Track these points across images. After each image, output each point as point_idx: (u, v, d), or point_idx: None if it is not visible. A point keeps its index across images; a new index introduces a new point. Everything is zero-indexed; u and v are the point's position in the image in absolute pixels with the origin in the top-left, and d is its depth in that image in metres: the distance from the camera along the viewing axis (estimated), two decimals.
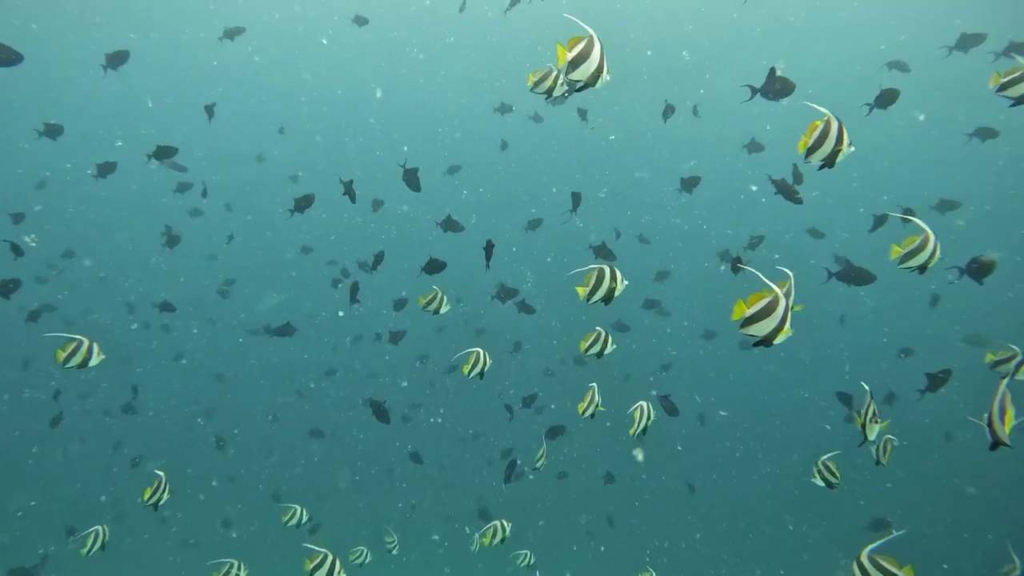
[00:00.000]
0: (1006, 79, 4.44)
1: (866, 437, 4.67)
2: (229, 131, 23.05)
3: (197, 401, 24.46)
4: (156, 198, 23.52)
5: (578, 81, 3.82)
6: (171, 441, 22.63)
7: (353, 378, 24.71)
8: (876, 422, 4.42)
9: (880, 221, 8.40)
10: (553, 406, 18.27)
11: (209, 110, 10.38)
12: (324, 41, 21.21)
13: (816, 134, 3.46)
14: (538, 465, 7.03)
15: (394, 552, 10.14)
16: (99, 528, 6.09)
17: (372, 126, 25.11)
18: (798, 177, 8.14)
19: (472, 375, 5.86)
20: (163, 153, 8.82)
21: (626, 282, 4.45)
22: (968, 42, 9.77)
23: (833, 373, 24.44)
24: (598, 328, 5.32)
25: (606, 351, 5.27)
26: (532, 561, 9.18)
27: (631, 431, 5.53)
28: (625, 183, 24.73)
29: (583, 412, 5.50)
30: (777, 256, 20.64)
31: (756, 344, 3.22)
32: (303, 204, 8.71)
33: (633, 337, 16.49)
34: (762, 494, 22.45)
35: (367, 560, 8.69)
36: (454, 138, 24.49)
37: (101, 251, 25.61)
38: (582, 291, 4.43)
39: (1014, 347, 5.26)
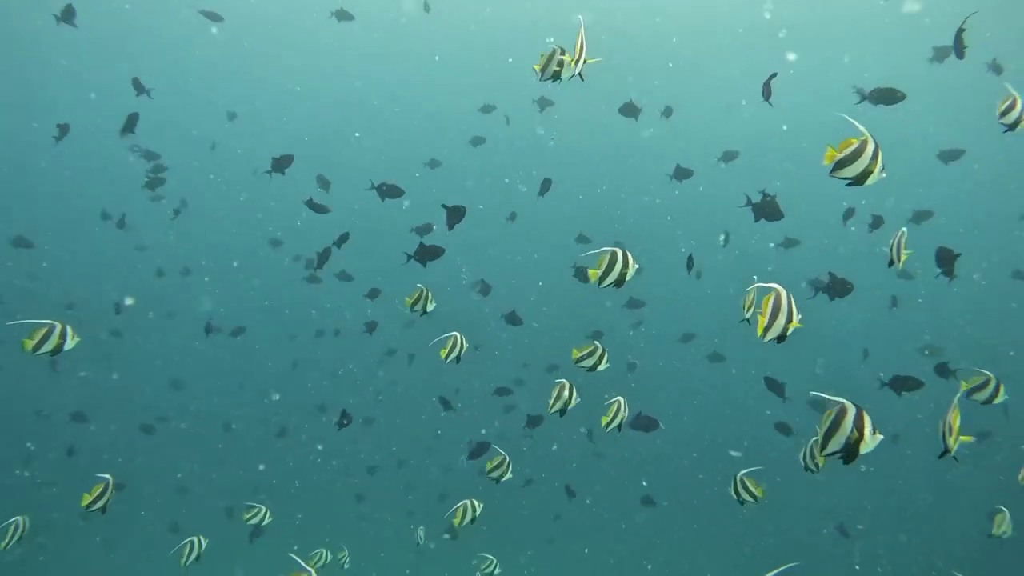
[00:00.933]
0: (1004, 106, 4.68)
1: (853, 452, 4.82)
2: (191, 117, 22.48)
3: (151, 407, 23.61)
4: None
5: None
6: (124, 448, 21.80)
7: (316, 376, 24.29)
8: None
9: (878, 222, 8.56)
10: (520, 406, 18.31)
11: (138, 85, 9.89)
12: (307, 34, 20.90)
13: (849, 150, 3.44)
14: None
15: (345, 567, 9.96)
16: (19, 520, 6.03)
17: (352, 120, 24.88)
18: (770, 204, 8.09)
19: (449, 360, 5.86)
20: (130, 125, 8.48)
21: (637, 266, 4.48)
22: (943, 54, 10.18)
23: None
24: (596, 343, 5.28)
25: (599, 367, 5.25)
26: (497, 571, 9.13)
27: (603, 421, 5.53)
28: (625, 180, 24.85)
29: (552, 409, 5.45)
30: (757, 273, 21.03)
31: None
32: (282, 164, 8.43)
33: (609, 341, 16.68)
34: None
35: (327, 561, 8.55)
36: (429, 132, 24.41)
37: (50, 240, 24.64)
38: (593, 273, 4.45)
39: (986, 372, 5.48)
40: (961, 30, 5.84)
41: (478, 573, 9.03)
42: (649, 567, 18.76)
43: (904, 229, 4.83)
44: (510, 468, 6.20)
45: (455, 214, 6.72)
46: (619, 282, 4.47)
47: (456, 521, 6.14)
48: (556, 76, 4.41)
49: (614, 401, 5.55)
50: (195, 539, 6.28)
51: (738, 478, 5.49)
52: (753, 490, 5.48)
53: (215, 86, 24.46)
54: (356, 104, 26.88)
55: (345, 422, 8.46)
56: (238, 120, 19.88)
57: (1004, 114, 4.66)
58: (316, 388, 23.84)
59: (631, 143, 24.97)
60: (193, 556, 6.23)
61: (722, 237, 11.80)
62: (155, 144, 15.01)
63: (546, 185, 9.24)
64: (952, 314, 23.69)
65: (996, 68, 9.18)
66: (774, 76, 6.76)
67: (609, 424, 5.51)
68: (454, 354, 5.90)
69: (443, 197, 7.64)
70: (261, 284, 27.08)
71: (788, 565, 5.38)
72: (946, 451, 3.50)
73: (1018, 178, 23.09)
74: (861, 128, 3.37)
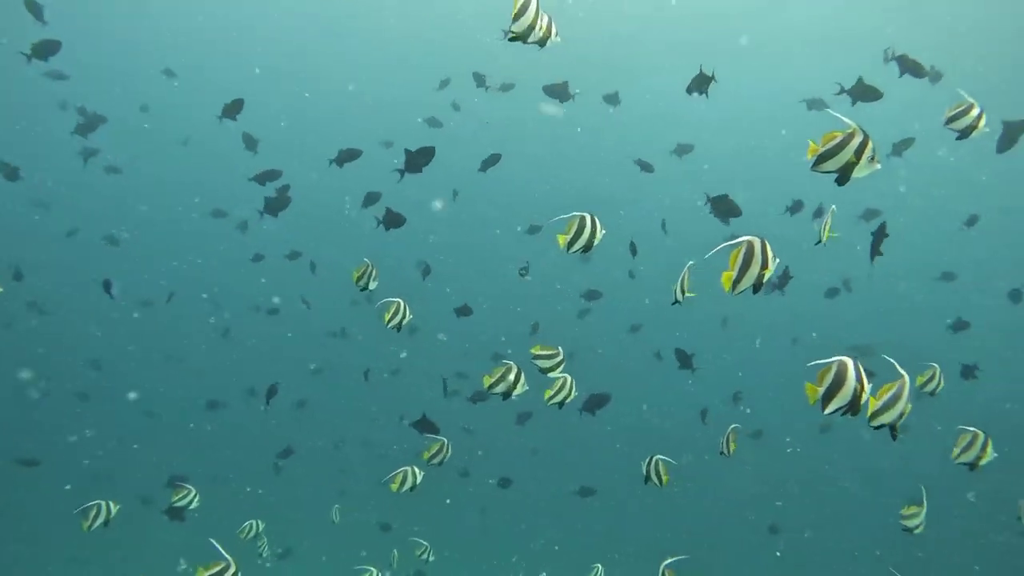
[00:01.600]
0: (953, 113, 4.80)
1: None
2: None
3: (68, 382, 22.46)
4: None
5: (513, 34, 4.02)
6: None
7: (251, 356, 23.65)
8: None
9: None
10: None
11: (34, 8, 8.92)
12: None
13: (832, 143, 3.30)
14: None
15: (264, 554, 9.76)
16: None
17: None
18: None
19: (391, 325, 5.78)
20: (42, 51, 7.82)
21: (604, 231, 4.51)
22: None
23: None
24: (507, 362, 5.18)
25: (515, 392, 5.16)
26: (431, 557, 9.10)
27: (547, 394, 5.42)
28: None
29: (493, 389, 5.26)
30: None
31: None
32: (233, 110, 8.19)
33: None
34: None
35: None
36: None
37: None
38: (562, 239, 4.48)
39: (933, 364, 5.76)
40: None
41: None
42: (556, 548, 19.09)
43: (833, 207, 4.86)
44: (449, 451, 6.14)
45: (421, 156, 6.55)
46: (587, 247, 4.51)
47: (394, 487, 6.01)
48: (524, 36, 4.32)
49: (560, 377, 5.45)
50: (102, 503, 5.91)
51: (653, 460, 5.69)
52: (662, 474, 5.67)
53: (155, 42, 23.24)
54: (308, 79, 26.06)
55: (270, 398, 8.28)
56: (178, 80, 19.01)
57: (952, 120, 4.77)
58: (250, 368, 23.25)
59: (592, 136, 25.09)
60: (100, 520, 5.87)
61: (662, 223, 12.01)
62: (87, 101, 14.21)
63: (491, 160, 9.15)
64: (885, 314, 24.69)
65: (935, 76, 9.48)
66: (703, 81, 6.81)
67: (552, 399, 5.41)
68: (396, 319, 5.80)
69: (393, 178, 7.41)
70: (196, 257, 26.17)
71: (676, 557, 5.62)
72: (890, 429, 3.55)
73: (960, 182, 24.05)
74: (848, 121, 3.25)
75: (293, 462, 20.37)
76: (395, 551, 10.11)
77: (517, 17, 4.07)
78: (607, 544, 19.28)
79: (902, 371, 3.38)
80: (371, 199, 8.99)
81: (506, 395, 5.17)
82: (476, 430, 18.37)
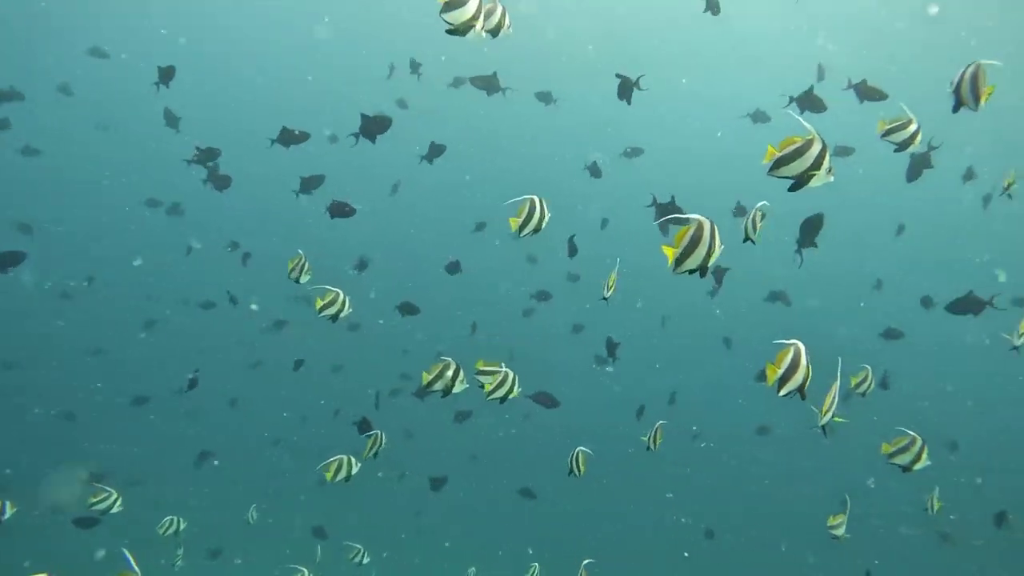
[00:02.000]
0: (891, 126, 4.98)
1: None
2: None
3: None
4: None
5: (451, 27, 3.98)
6: None
7: (183, 352, 22.70)
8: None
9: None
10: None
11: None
12: None
13: (790, 148, 3.24)
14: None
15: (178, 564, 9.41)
16: None
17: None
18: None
19: (324, 314, 5.59)
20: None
21: (550, 215, 4.57)
22: (824, 73, 10.86)
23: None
24: (445, 359, 5.08)
25: (454, 389, 5.08)
26: (365, 560, 8.92)
27: (487, 387, 5.28)
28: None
29: (431, 386, 5.15)
30: None
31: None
32: (166, 76, 8.05)
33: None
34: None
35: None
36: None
37: None
38: (514, 222, 4.54)
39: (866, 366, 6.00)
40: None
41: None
42: (500, 553, 19.03)
43: (764, 202, 4.74)
44: (383, 442, 6.01)
45: (377, 124, 6.50)
46: (537, 229, 4.58)
47: (328, 476, 5.84)
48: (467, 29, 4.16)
49: (502, 372, 5.34)
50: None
51: (575, 453, 5.83)
52: (581, 465, 5.81)
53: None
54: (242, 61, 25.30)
55: (190, 389, 8.01)
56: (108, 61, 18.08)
57: (889, 133, 4.94)
58: (181, 364, 22.39)
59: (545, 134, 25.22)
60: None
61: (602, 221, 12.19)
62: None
63: (435, 151, 9.05)
64: (821, 318, 25.47)
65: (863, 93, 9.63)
66: (627, 88, 6.89)
67: (491, 394, 5.29)
68: (331, 309, 5.62)
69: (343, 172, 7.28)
70: (124, 245, 24.98)
71: (586, 560, 5.67)
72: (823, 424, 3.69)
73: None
74: (808, 127, 3.18)
75: (224, 462, 19.75)
76: (319, 548, 9.87)
77: (450, 7, 3.94)
78: (544, 546, 19.39)
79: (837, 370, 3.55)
80: (310, 184, 8.55)
81: (445, 392, 5.08)
82: (416, 432, 18.18)
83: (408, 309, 9.70)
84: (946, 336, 22.01)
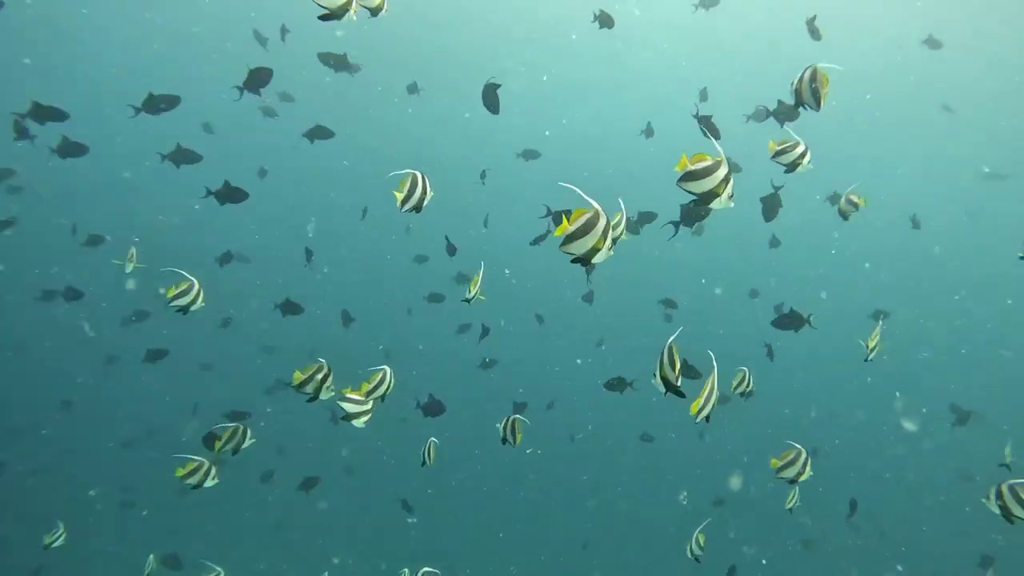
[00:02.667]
0: (781, 148, 5.11)
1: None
2: None
3: None
4: None
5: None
6: None
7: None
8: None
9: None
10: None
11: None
12: None
13: (700, 165, 3.35)
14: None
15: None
16: None
17: None
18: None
19: (174, 304, 5.19)
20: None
21: (432, 194, 4.49)
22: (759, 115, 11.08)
23: None
24: (320, 360, 4.89)
25: (322, 395, 4.90)
26: None
27: (364, 387, 5.17)
28: None
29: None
30: None
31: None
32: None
33: None
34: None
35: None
36: None
37: None
38: (398, 195, 4.44)
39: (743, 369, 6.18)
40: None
41: None
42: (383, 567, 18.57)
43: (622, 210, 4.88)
44: (247, 437, 5.49)
45: (261, 75, 6.33)
46: (418, 207, 4.49)
47: (180, 471, 5.37)
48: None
49: (380, 370, 5.23)
50: None
51: (509, 420, 5.87)
52: (516, 434, 5.86)
53: None
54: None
55: None
56: None
57: (779, 154, 5.07)
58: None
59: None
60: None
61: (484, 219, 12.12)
62: None
63: (318, 132, 8.65)
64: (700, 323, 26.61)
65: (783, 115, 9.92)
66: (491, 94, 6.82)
67: (372, 392, 5.17)
68: (183, 300, 5.22)
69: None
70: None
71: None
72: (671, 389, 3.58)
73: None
74: (719, 148, 3.29)
75: (74, 466, 17.99)
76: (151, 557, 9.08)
77: None
78: (416, 560, 18.98)
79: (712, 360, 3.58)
80: (183, 157, 7.85)
81: (313, 397, 4.84)
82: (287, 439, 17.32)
83: (290, 308, 9.14)
84: (809, 346, 23.68)
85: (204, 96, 21.47)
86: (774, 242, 12.17)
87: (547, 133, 27.29)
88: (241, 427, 5.23)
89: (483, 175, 10.61)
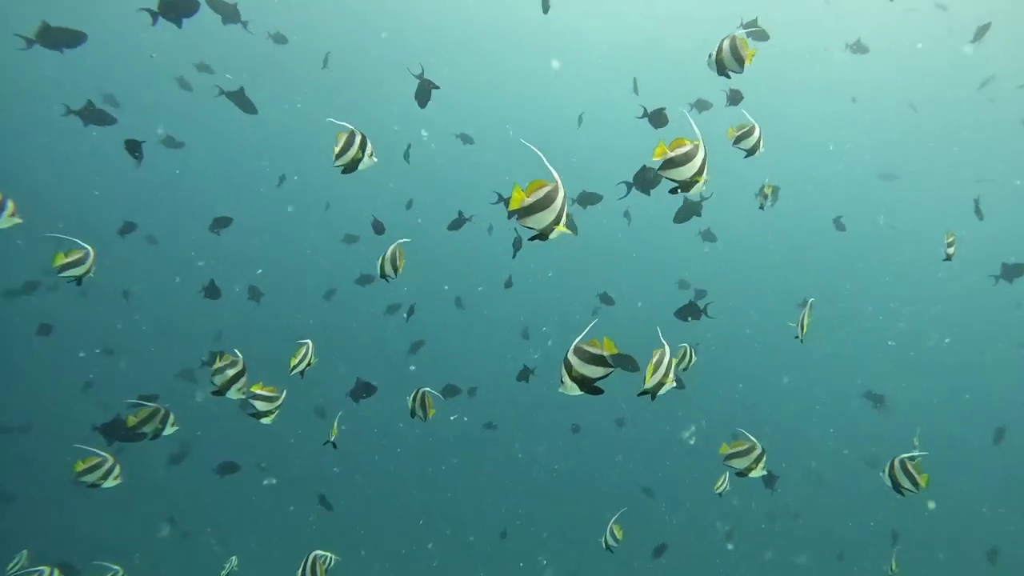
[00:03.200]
0: (739, 133, 5.00)
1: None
2: None
3: None
4: None
5: None
6: None
7: None
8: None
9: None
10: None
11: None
12: None
13: (680, 151, 3.35)
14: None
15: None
16: None
17: None
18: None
19: (65, 275, 4.79)
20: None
21: (376, 159, 4.28)
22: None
23: None
24: (236, 353, 4.64)
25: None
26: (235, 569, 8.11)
27: (291, 362, 5.16)
28: None
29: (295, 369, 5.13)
30: None
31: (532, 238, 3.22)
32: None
33: None
34: None
35: None
36: None
37: None
38: (335, 148, 4.27)
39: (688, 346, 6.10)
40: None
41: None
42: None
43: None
44: (167, 422, 5.03)
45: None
46: (351, 167, 4.27)
47: (131, 420, 4.97)
48: None
49: (304, 344, 5.25)
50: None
51: (419, 393, 5.84)
52: (428, 407, 5.85)
53: None
54: None
55: None
56: None
57: (739, 140, 4.98)
58: None
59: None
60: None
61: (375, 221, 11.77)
62: None
63: (243, 101, 8.13)
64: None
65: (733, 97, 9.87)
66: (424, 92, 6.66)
67: (294, 368, 5.22)
68: (76, 271, 4.83)
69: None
70: None
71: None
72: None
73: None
74: (697, 131, 3.20)
75: None
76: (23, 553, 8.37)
77: None
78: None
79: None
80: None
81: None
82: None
83: (211, 292, 8.59)
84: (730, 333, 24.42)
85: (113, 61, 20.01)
86: (708, 235, 12.32)
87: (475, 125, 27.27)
88: (162, 409, 4.69)
89: (407, 152, 10.21)
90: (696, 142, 3.29)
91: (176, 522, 16.16)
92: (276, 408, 4.80)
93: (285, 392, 4.92)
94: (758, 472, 4.85)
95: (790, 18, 22.85)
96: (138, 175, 22.30)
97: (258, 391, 4.71)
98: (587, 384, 3.10)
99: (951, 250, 6.48)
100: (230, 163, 25.57)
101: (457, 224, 9.35)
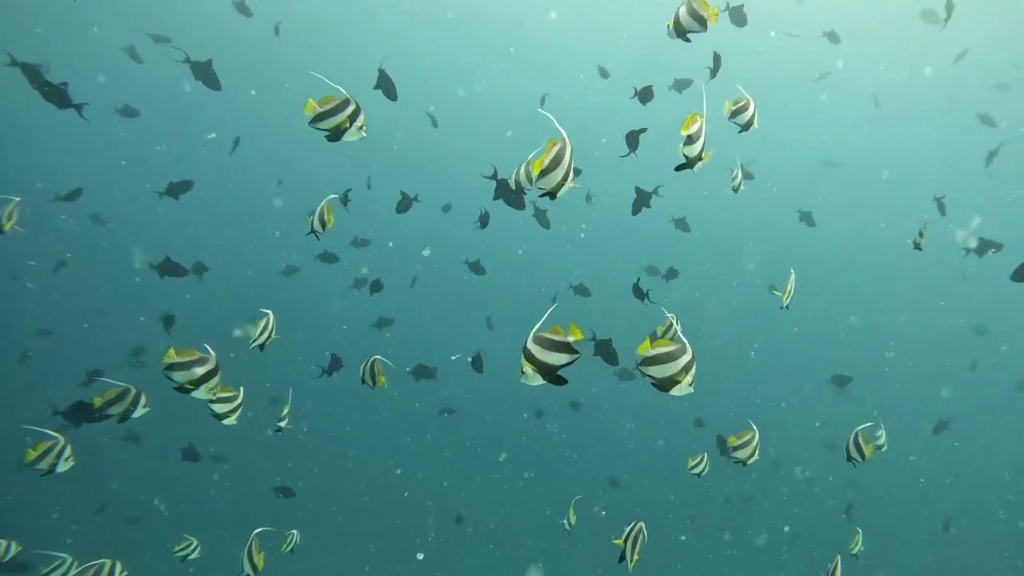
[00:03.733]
0: (735, 108, 4.88)
1: None
2: None
3: None
4: None
5: None
6: None
7: None
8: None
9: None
10: None
11: None
12: None
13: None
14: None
15: None
16: None
17: None
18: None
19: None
20: None
21: (365, 133, 4.09)
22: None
23: None
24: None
25: (135, 413, 4.42)
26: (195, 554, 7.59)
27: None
28: None
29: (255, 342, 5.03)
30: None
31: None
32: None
33: None
34: None
35: None
36: None
37: None
38: (310, 105, 4.03)
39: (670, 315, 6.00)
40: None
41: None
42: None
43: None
44: (139, 404, 4.67)
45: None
46: (335, 135, 4.07)
47: (97, 401, 4.55)
48: None
49: (263, 314, 5.19)
50: None
51: (371, 360, 5.92)
52: (376, 376, 5.88)
53: None
54: None
55: None
56: None
57: (735, 115, 4.86)
58: None
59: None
60: None
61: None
62: None
63: (205, 74, 7.80)
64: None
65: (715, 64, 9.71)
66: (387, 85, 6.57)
67: (255, 341, 5.17)
68: None
69: None
70: None
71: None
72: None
73: None
74: (562, 131, 3.16)
75: None
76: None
77: None
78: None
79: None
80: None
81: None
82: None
83: (168, 269, 8.13)
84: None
85: None
86: (681, 224, 12.31)
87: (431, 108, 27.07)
88: (133, 389, 4.35)
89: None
90: (563, 141, 3.27)
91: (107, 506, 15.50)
92: (238, 407, 4.60)
93: (243, 390, 4.69)
94: (754, 459, 5.03)
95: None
96: (83, 148, 21.36)
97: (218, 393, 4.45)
98: (550, 373, 2.93)
99: (921, 239, 6.68)
100: (179, 135, 24.67)
101: (404, 206, 9.24)
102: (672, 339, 6.19)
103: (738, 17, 7.80)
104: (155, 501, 17.06)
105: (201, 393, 4.06)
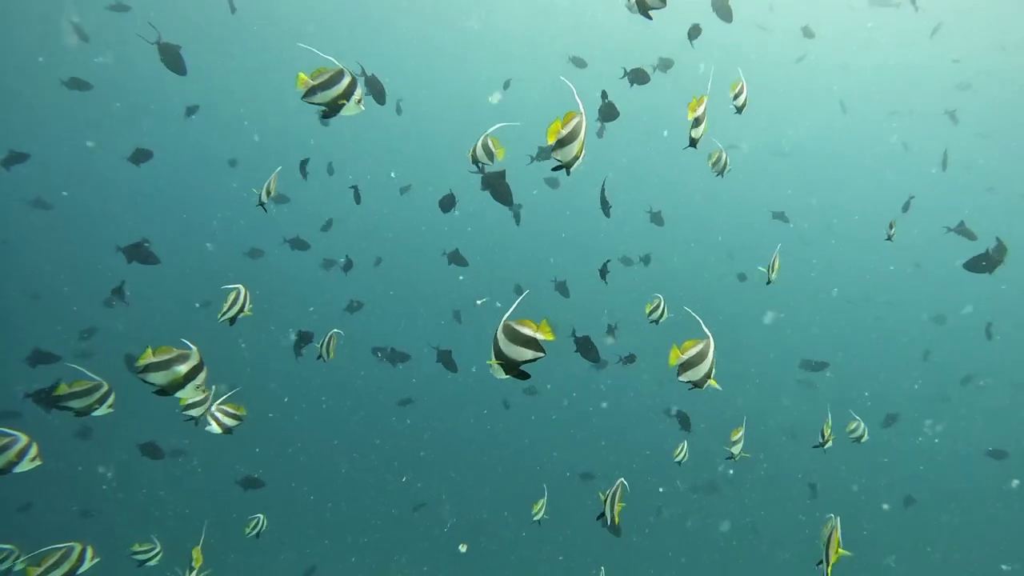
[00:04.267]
0: (736, 91, 4.87)
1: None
2: None
3: None
4: None
5: None
6: None
7: None
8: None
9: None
10: None
11: None
12: None
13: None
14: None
15: None
16: None
17: None
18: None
19: None
20: None
21: (363, 107, 3.91)
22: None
23: None
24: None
25: (97, 411, 4.13)
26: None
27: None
28: None
29: (225, 314, 4.87)
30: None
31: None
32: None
33: None
34: None
35: None
36: None
37: None
38: (302, 79, 3.84)
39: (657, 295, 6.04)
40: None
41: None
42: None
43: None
44: (105, 403, 4.29)
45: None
46: (330, 111, 3.88)
47: (61, 389, 4.20)
48: None
49: (233, 288, 5.00)
50: None
51: (330, 335, 6.25)
52: (330, 351, 6.21)
53: None
54: None
55: None
56: None
57: (736, 97, 4.85)
58: None
59: None
60: None
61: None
62: None
63: (172, 58, 7.52)
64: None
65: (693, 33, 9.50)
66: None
67: (224, 315, 4.96)
68: None
69: None
70: None
71: None
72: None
73: None
74: (580, 103, 3.16)
75: None
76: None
77: None
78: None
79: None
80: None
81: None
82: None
83: (136, 254, 7.67)
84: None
85: None
86: (656, 219, 12.33)
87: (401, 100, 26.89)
88: (105, 385, 3.96)
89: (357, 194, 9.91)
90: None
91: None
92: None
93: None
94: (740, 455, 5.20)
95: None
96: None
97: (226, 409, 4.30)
98: (512, 368, 2.78)
99: (892, 231, 7.44)
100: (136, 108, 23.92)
101: (357, 196, 9.21)
102: (661, 318, 6.34)
103: (723, 11, 7.72)
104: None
105: (187, 393, 3.56)
